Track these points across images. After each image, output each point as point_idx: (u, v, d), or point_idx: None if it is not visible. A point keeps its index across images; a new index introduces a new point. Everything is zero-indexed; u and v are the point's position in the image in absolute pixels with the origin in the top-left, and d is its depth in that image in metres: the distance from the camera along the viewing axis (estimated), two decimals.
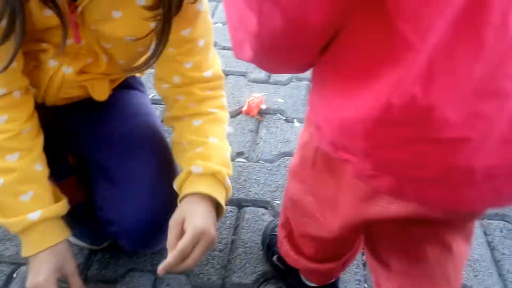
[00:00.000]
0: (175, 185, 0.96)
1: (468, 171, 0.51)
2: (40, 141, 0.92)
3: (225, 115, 1.03)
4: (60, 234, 0.91)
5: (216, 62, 1.01)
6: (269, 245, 1.14)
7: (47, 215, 0.88)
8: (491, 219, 1.22)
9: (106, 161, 1.03)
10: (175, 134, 1.02)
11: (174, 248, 0.84)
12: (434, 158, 0.52)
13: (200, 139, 0.96)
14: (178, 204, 0.94)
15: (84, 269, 1.13)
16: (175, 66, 0.95)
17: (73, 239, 1.15)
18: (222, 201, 0.93)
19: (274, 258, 1.10)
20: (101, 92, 1.00)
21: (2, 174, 0.85)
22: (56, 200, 0.92)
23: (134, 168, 1.02)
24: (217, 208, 0.93)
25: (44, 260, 0.88)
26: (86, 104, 1.03)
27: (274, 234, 1.08)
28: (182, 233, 0.86)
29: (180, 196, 0.93)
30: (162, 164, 1.05)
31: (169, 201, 1.01)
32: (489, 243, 1.17)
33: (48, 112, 0.98)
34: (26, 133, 0.88)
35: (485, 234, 1.19)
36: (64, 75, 0.92)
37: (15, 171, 0.86)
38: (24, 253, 0.89)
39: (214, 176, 0.93)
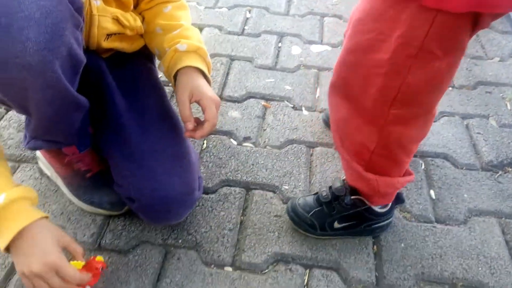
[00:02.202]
0: (163, 64, 1.05)
1: None
2: None
3: (186, 4, 1.15)
4: (38, 212, 0.89)
5: None
6: (319, 215, 1.16)
7: (13, 196, 0.85)
8: (509, 219, 1.26)
9: (128, 134, 1.04)
10: (145, 24, 1.10)
11: (191, 120, 0.99)
12: None
13: (175, 23, 1.08)
14: (171, 79, 1.05)
15: (97, 239, 1.13)
16: None
17: (91, 208, 1.16)
18: (208, 75, 1.06)
19: (338, 215, 1.14)
20: (134, 26, 1.06)
21: None
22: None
23: (154, 144, 1.03)
24: None
25: (42, 237, 0.86)
26: (122, 74, 1.07)
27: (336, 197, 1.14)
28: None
29: (173, 71, 1.03)
30: (179, 141, 1.07)
31: (188, 178, 1.04)
32: (507, 242, 1.20)
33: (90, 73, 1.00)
34: None
35: (503, 232, 1.23)
36: (96, 7, 0.94)
37: None
38: (2, 242, 0.85)
39: (197, 52, 1.04)
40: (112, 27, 1.00)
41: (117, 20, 1.01)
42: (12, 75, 0.76)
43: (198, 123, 1.03)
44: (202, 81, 1.02)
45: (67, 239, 0.91)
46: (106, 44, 1.02)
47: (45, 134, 1.01)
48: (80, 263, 0.94)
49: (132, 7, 1.06)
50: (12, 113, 1.48)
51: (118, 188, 1.07)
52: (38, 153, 1.25)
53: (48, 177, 1.27)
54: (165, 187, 1.01)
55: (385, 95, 0.88)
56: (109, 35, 1.02)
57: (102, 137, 1.09)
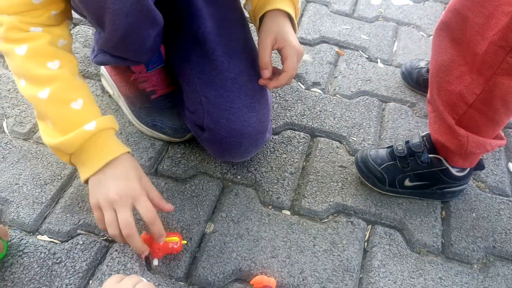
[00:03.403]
0: (251, 3, 0.98)
1: None
2: (75, 58, 0.87)
3: None
4: (123, 146, 0.86)
5: None
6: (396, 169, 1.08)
7: (103, 125, 0.82)
8: None
9: (212, 59, 0.98)
10: None
11: (269, 67, 0.93)
12: None
13: None
14: (256, 21, 0.98)
15: (155, 163, 1.10)
16: None
17: (151, 132, 1.12)
18: (295, 22, 0.97)
19: (411, 173, 1.07)
20: None
21: (47, 82, 0.80)
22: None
23: (237, 75, 0.97)
24: None
25: (126, 170, 0.82)
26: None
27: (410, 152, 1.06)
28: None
29: (260, 13, 0.95)
30: (259, 77, 1.00)
31: (265, 116, 0.98)
32: None
33: None
34: (63, 45, 0.85)
35: None
36: None
37: (58, 79, 0.81)
38: (87, 172, 0.83)
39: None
40: None
41: None
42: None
43: (275, 72, 0.96)
44: (288, 28, 0.94)
45: (148, 183, 0.86)
46: None
47: (115, 49, 0.96)
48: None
49: None
50: (79, 28, 1.45)
51: (189, 114, 1.02)
52: (103, 70, 1.21)
53: (110, 96, 1.23)
54: (241, 120, 0.96)
55: (506, 39, 0.78)
56: None
57: (182, 57, 1.03)
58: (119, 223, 0.79)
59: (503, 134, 0.99)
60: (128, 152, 0.86)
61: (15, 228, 0.95)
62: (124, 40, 0.87)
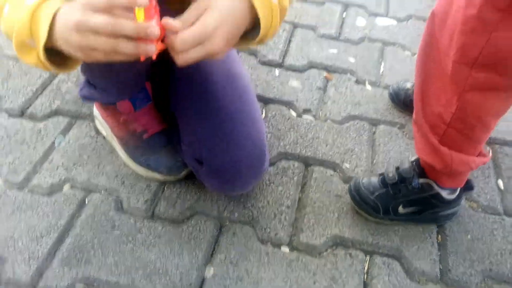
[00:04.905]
0: None
1: None
2: None
3: None
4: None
5: None
6: (386, 199, 1.10)
7: None
8: None
9: (203, 90, 0.98)
10: None
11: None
12: None
13: None
14: None
15: (151, 206, 1.10)
16: None
17: (146, 172, 1.13)
18: (260, 12, 0.73)
19: (403, 200, 1.08)
20: None
21: None
22: None
23: (233, 103, 0.97)
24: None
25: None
26: None
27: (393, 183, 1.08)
28: None
29: None
30: (255, 104, 1.01)
31: (262, 145, 0.99)
32: None
33: None
34: None
35: None
36: None
37: None
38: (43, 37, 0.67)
39: None
40: None
41: None
42: None
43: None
44: (232, 4, 0.72)
45: None
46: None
47: (101, 79, 0.95)
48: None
49: None
50: None
51: (185, 148, 1.03)
52: (96, 111, 1.22)
53: (104, 137, 1.23)
54: (239, 149, 0.96)
55: (467, 55, 0.83)
56: None
57: (175, 90, 1.03)
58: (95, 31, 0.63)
59: (487, 150, 1.01)
60: None
61: None
62: (110, 70, 0.87)
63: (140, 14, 0.64)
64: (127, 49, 0.64)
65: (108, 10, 0.63)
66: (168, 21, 0.67)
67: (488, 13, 0.77)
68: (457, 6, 0.84)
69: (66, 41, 0.67)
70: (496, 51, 0.80)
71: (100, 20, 0.62)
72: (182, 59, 0.69)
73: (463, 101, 0.88)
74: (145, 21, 0.64)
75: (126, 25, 0.62)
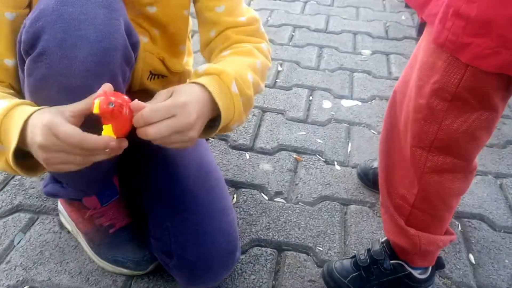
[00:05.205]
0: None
1: None
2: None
3: (259, 53, 0.94)
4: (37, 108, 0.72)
5: (249, 10, 0.99)
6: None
7: (13, 103, 0.72)
8: None
9: (168, 185, 0.98)
10: None
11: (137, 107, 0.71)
12: None
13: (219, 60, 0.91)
14: None
15: None
16: (209, 16, 0.95)
17: (113, 267, 1.08)
18: (219, 100, 0.78)
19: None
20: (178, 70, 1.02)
21: None
22: None
23: (202, 195, 0.97)
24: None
25: (43, 116, 0.68)
26: None
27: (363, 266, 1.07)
28: None
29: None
30: (226, 196, 1.02)
31: (233, 236, 0.98)
32: None
33: None
34: None
35: None
36: (143, 44, 0.90)
37: None
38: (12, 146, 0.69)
39: (219, 76, 0.80)
40: (157, 65, 0.97)
41: (162, 61, 0.98)
42: (50, 94, 0.73)
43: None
44: (195, 94, 0.77)
45: (69, 107, 0.70)
46: (149, 84, 0.98)
47: (68, 178, 0.95)
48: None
49: (183, 52, 1.03)
50: None
51: (155, 242, 1.00)
52: (60, 206, 1.19)
53: (68, 231, 1.20)
54: (210, 243, 0.94)
55: (422, 140, 0.88)
56: (153, 75, 0.97)
57: (145, 184, 1.03)
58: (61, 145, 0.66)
59: (454, 228, 1.02)
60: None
61: None
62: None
63: (108, 129, 0.69)
64: (96, 158, 0.70)
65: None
66: (137, 102, 0.71)
67: (436, 103, 0.82)
68: (409, 96, 0.89)
69: (34, 153, 0.70)
70: (449, 137, 0.84)
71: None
72: (153, 130, 0.71)
73: (424, 183, 0.91)
74: (114, 130, 0.69)
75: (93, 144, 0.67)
